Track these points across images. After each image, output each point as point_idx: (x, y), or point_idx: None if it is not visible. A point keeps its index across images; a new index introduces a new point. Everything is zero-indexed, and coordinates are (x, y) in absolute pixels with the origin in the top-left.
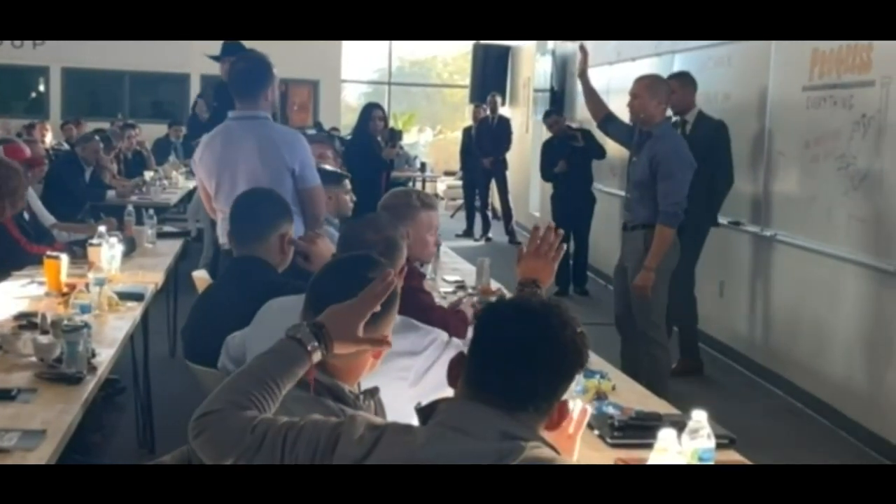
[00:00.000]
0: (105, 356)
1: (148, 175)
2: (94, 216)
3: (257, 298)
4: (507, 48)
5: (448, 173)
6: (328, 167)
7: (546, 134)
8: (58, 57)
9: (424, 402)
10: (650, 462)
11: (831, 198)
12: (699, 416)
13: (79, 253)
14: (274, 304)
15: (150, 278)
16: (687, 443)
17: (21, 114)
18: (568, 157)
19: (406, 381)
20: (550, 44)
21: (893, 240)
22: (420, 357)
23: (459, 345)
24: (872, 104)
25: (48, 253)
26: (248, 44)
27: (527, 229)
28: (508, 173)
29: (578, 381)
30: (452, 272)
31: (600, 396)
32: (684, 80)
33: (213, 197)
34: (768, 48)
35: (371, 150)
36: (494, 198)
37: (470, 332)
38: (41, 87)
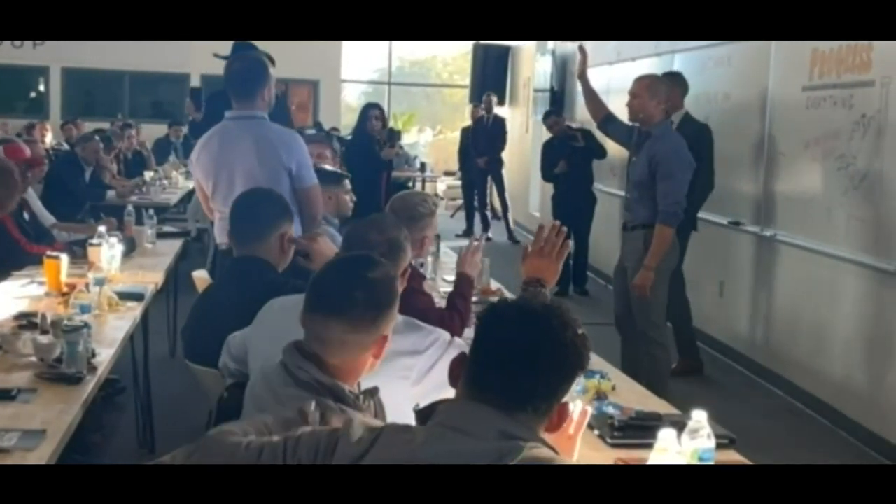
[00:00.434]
0: (105, 356)
1: (148, 175)
2: (94, 216)
3: (258, 298)
4: (507, 48)
5: (448, 173)
6: (328, 167)
7: (546, 134)
8: (58, 57)
9: (426, 402)
10: (650, 462)
11: (831, 198)
12: (699, 416)
13: (79, 253)
14: (275, 303)
15: (150, 278)
16: (687, 443)
17: (21, 114)
18: (568, 158)
19: (408, 380)
20: (550, 44)
21: (893, 240)
22: (422, 356)
23: (462, 344)
24: (872, 104)
25: (48, 253)
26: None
27: (527, 229)
28: (506, 172)
29: (579, 382)
30: (452, 272)
31: (600, 396)
32: (673, 81)
33: (210, 197)
34: (768, 48)
35: (370, 150)
36: (494, 197)
37: (469, 332)
38: (41, 87)
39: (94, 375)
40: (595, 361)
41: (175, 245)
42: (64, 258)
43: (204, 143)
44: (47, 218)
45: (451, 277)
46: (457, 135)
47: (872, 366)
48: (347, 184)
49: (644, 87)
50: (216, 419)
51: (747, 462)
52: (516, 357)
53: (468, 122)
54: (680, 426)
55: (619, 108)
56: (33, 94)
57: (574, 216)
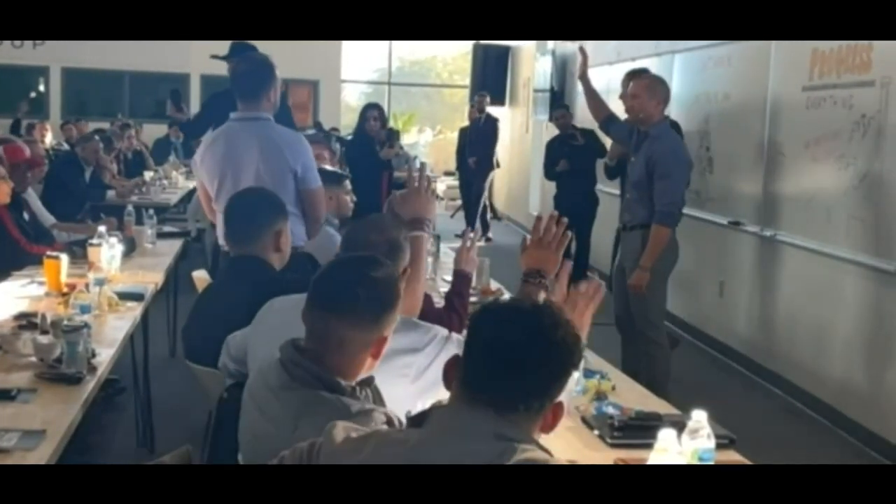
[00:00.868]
0: (105, 356)
1: (148, 175)
2: (94, 216)
3: (257, 297)
4: (507, 48)
5: (448, 173)
6: (328, 167)
7: (547, 134)
8: (58, 57)
9: (425, 398)
10: (650, 462)
11: (831, 198)
12: (699, 416)
13: (79, 253)
14: (274, 303)
15: (150, 278)
16: (687, 443)
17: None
18: (569, 156)
19: (407, 377)
20: (550, 44)
21: (893, 240)
22: (421, 354)
23: (460, 339)
24: (872, 104)
25: (48, 253)
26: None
27: (527, 230)
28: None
29: (578, 381)
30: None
31: (600, 396)
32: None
33: (213, 198)
34: (768, 48)
35: (370, 150)
36: (494, 197)
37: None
38: (41, 87)
39: (94, 375)
40: (595, 361)
41: (175, 245)
42: (64, 258)
43: (209, 143)
44: (47, 218)
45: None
46: (456, 135)
47: (872, 366)
48: (347, 184)
49: (643, 88)
50: (216, 419)
51: (747, 462)
52: (507, 357)
53: (468, 122)
54: (680, 426)
55: (620, 107)
56: (33, 94)
57: (575, 216)
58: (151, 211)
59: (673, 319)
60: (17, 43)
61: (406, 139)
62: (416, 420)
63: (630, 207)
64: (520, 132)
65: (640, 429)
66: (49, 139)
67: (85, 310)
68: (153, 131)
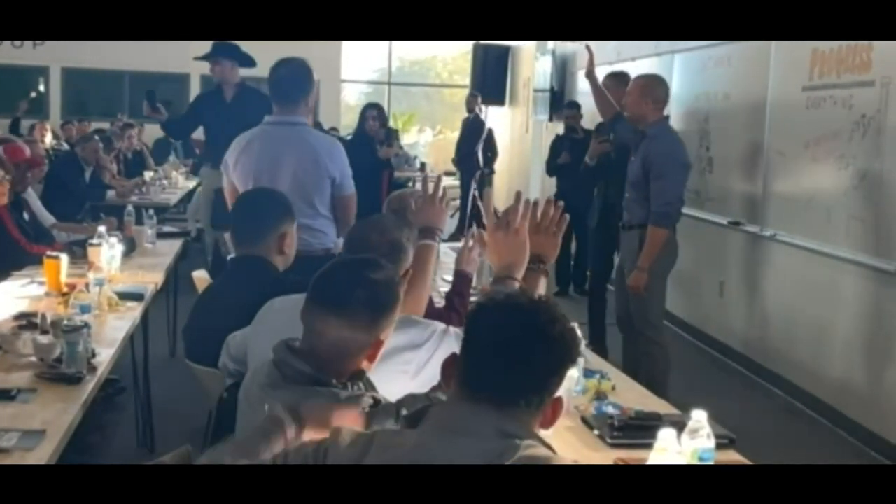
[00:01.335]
0: (105, 356)
1: (148, 175)
2: (94, 216)
3: (258, 298)
4: (507, 48)
5: (448, 173)
6: None
7: (547, 133)
8: (58, 57)
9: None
10: (650, 462)
11: (831, 198)
12: (699, 416)
13: (79, 253)
14: (275, 303)
15: (150, 278)
16: (687, 443)
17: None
18: (569, 149)
19: (407, 374)
20: (550, 44)
21: (893, 240)
22: (421, 350)
23: (458, 333)
24: (872, 104)
25: (48, 253)
26: (243, 44)
27: None
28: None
29: (578, 381)
30: (452, 272)
31: (600, 396)
32: (619, 81)
33: None
34: (768, 48)
35: (370, 150)
36: (495, 198)
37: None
38: (41, 87)
39: (93, 375)
40: (595, 361)
41: (175, 245)
42: (64, 258)
43: (243, 146)
44: (47, 218)
45: (451, 277)
46: (457, 135)
47: (872, 366)
48: None
49: (638, 87)
50: (216, 419)
51: (747, 462)
52: (506, 353)
53: None
54: (680, 426)
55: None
56: (33, 94)
57: (576, 216)
58: (151, 211)
59: (673, 319)
60: (17, 43)
61: (406, 139)
62: (412, 418)
63: (628, 207)
64: (520, 132)
65: (640, 429)
66: (49, 139)
67: (85, 310)
68: (153, 131)
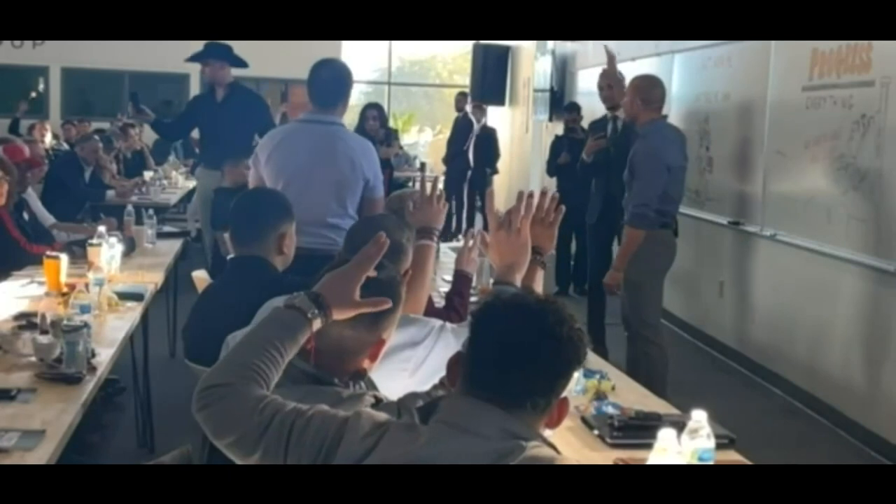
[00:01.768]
0: (105, 356)
1: (148, 175)
2: (94, 216)
3: (258, 298)
4: (507, 48)
5: None
6: None
7: (547, 134)
8: (58, 57)
9: (422, 390)
10: (650, 462)
11: (831, 198)
12: (699, 416)
13: (79, 253)
14: (274, 303)
15: (150, 278)
16: (687, 443)
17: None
18: (569, 149)
19: (406, 371)
20: (550, 44)
21: (893, 240)
22: (419, 347)
23: (454, 328)
24: (872, 104)
25: (48, 253)
26: (241, 44)
27: None
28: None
29: (578, 381)
30: (451, 272)
31: (600, 396)
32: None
33: None
34: (768, 48)
35: None
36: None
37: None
38: (41, 87)
39: (93, 375)
40: (595, 361)
41: (175, 245)
42: (64, 258)
43: (277, 142)
44: (47, 218)
45: (451, 277)
46: None
47: (872, 366)
48: None
49: (631, 88)
50: None
51: (747, 462)
52: (512, 354)
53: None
54: (680, 426)
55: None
56: (33, 94)
57: (575, 216)
58: (151, 211)
59: (672, 319)
60: (17, 43)
61: (406, 139)
62: (425, 411)
63: (626, 205)
64: (520, 132)
65: (640, 429)
66: (49, 139)
67: (85, 310)
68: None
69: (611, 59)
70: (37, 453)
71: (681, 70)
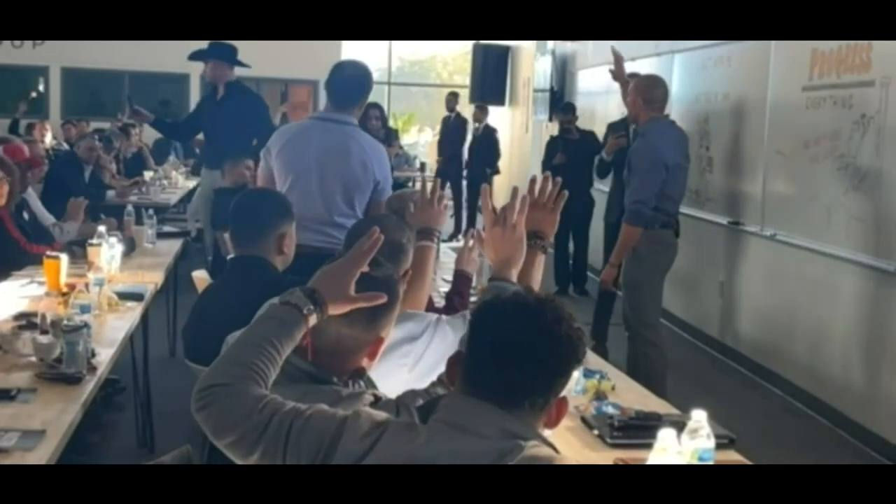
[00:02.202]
0: (105, 356)
1: (148, 175)
2: (94, 216)
3: (258, 298)
4: (507, 48)
5: None
6: None
7: (547, 134)
8: (58, 57)
9: (419, 386)
10: (650, 462)
11: (831, 197)
12: (699, 416)
13: (79, 253)
14: (274, 302)
15: (150, 278)
16: (687, 443)
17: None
18: (563, 150)
19: (406, 367)
20: (550, 44)
21: (893, 240)
22: (418, 342)
23: (450, 320)
24: (872, 104)
25: (48, 253)
26: (241, 44)
27: None
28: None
29: (578, 381)
30: (451, 272)
31: (600, 396)
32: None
33: (282, 192)
34: (768, 48)
35: None
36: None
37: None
38: (41, 87)
39: (93, 375)
40: (595, 361)
41: (175, 245)
42: (64, 258)
43: (290, 136)
44: (47, 218)
45: (451, 277)
46: None
47: (872, 365)
48: None
49: (633, 87)
50: None
51: (747, 462)
52: (511, 353)
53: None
54: (680, 426)
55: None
56: (33, 94)
57: (573, 216)
58: (151, 211)
59: (672, 319)
60: (17, 43)
61: (406, 139)
62: (425, 409)
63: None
64: (520, 132)
65: (640, 429)
66: (49, 139)
67: (85, 310)
68: (153, 131)
69: (618, 61)
70: (37, 453)
71: (681, 70)
